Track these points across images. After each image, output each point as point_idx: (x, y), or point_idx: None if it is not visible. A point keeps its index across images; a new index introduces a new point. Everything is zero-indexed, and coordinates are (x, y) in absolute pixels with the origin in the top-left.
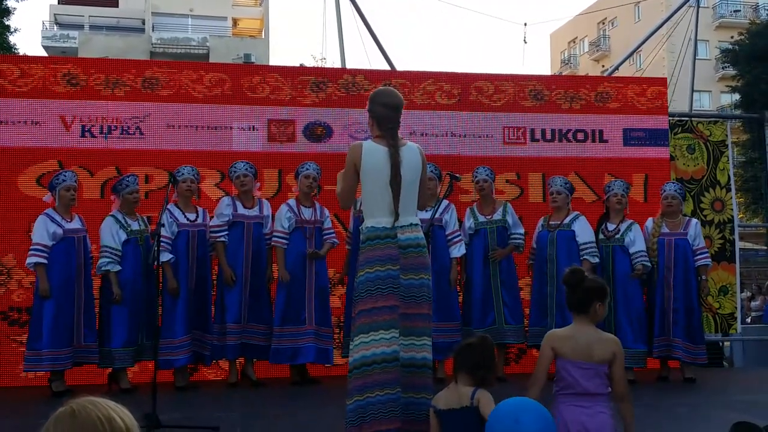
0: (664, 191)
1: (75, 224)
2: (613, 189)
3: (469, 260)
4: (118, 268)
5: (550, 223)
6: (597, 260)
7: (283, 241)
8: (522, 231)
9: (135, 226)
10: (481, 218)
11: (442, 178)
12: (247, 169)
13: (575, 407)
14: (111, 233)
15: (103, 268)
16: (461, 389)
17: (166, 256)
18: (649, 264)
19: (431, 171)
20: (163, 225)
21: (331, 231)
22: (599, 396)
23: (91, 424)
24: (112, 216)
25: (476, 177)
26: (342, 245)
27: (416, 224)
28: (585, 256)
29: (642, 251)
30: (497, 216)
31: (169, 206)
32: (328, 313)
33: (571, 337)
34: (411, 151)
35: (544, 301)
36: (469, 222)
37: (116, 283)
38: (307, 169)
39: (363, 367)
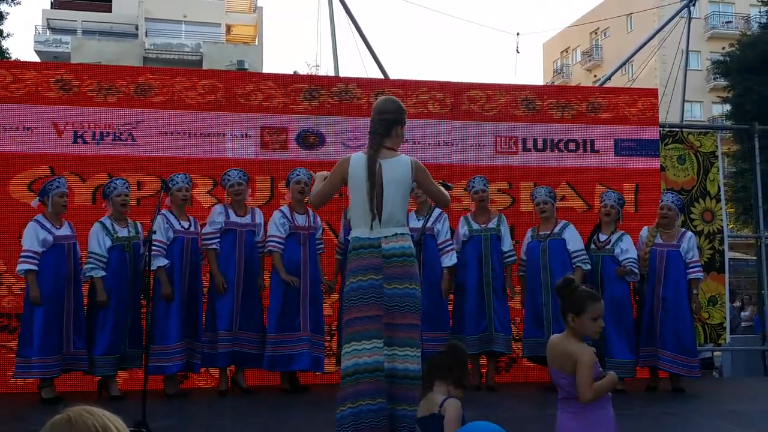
0: (662, 201)
1: (65, 231)
2: (603, 200)
3: (463, 267)
4: (102, 273)
5: (540, 233)
6: (588, 267)
7: (280, 246)
8: (512, 247)
9: (123, 233)
10: (476, 226)
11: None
12: (240, 177)
13: (565, 413)
14: (97, 239)
15: (87, 274)
16: (434, 397)
17: (161, 261)
18: (637, 270)
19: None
20: (155, 232)
21: (321, 241)
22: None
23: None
24: (100, 222)
25: (473, 187)
26: (333, 254)
27: (403, 234)
28: (577, 263)
29: (631, 258)
30: (492, 225)
31: (164, 212)
32: (321, 321)
33: (552, 345)
34: (398, 163)
35: (538, 312)
36: (463, 229)
37: (101, 289)
38: (298, 175)
39: (354, 375)
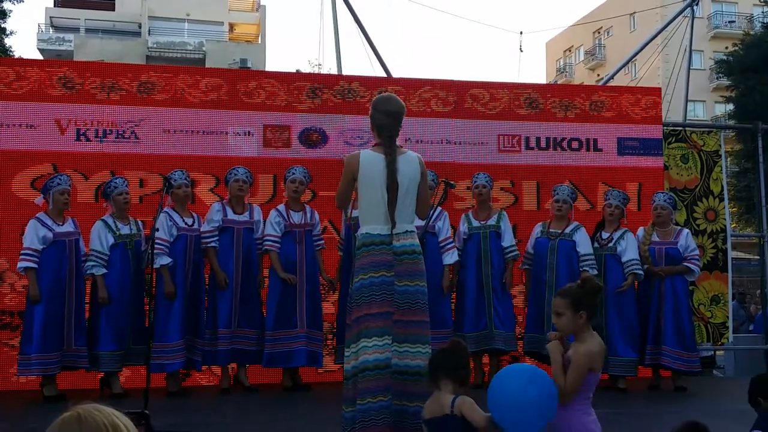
0: (654, 201)
1: (67, 227)
2: (608, 199)
3: (462, 265)
4: (103, 271)
5: (550, 231)
6: (596, 272)
7: (276, 245)
8: (513, 243)
9: (125, 230)
10: (476, 223)
11: (438, 185)
12: (247, 175)
13: (587, 415)
14: (99, 237)
15: (88, 272)
16: (443, 397)
17: (165, 260)
18: (642, 273)
19: (431, 180)
20: (158, 229)
21: (320, 238)
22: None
23: (97, 429)
24: (103, 220)
25: (475, 182)
26: (335, 251)
27: (412, 231)
28: (585, 267)
29: (634, 260)
30: (491, 222)
31: (167, 210)
32: (320, 317)
33: (600, 350)
34: (410, 160)
35: (541, 309)
36: (463, 227)
37: (102, 287)
38: (294, 174)
39: (365, 371)
